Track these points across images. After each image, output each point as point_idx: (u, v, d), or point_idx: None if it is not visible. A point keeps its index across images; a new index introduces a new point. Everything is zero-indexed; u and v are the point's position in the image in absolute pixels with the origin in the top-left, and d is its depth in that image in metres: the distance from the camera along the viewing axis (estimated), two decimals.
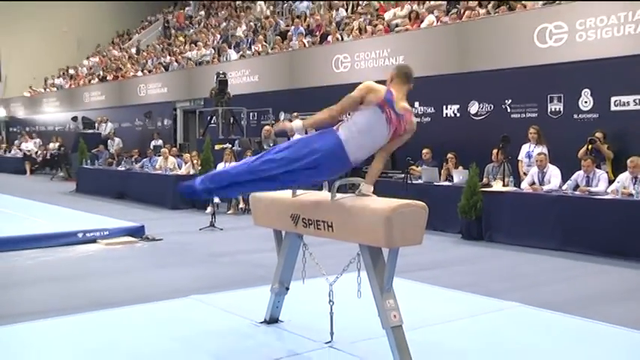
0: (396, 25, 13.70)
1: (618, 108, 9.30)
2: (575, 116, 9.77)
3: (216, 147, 13.12)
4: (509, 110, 10.67)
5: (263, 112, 15.63)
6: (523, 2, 11.41)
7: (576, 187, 8.39)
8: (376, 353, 3.97)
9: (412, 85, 4.05)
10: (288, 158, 3.85)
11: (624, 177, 7.96)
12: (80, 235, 8.58)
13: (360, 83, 3.95)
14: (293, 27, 17.33)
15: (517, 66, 10.59)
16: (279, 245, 4.66)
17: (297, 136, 4.28)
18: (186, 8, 28.05)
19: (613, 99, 9.33)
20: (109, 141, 20.04)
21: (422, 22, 13.11)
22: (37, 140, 24.94)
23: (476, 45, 11.41)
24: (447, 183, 9.95)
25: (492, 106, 10.95)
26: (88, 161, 16.58)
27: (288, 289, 4.64)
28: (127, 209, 12.37)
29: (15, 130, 29.54)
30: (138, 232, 9.00)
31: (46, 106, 27.88)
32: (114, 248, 8.38)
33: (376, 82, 3.99)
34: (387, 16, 14.43)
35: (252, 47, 17.95)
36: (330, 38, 15.16)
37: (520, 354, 4.16)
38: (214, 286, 6.13)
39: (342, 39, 14.70)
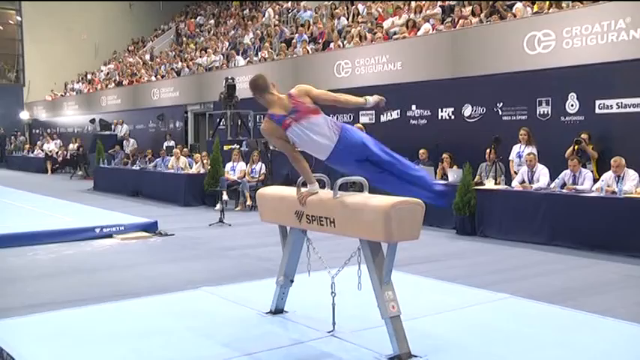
0: (394, 33, 13.67)
1: (602, 111, 9.27)
2: (563, 119, 9.74)
3: (225, 147, 13.12)
4: (500, 113, 10.64)
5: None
6: (513, 12, 11.39)
7: (563, 185, 8.37)
8: (376, 342, 3.96)
9: (270, 86, 4.19)
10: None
11: (608, 176, 7.94)
12: (97, 230, 8.60)
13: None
14: (297, 35, 17.31)
15: (508, 71, 10.55)
16: (284, 240, 4.65)
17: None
18: (198, 17, 28.03)
19: (597, 102, 9.30)
20: (124, 142, 20.05)
21: (418, 30, 13.07)
22: (58, 141, 24.97)
23: (469, 52, 11.38)
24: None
25: (485, 109, 10.92)
26: (105, 161, 16.60)
27: (292, 281, 4.63)
28: (141, 206, 12.37)
29: (37, 131, 29.59)
30: (151, 228, 9.00)
31: (66, 109, 27.91)
32: (129, 243, 8.39)
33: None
34: (386, 24, 14.38)
35: (259, 54, 17.93)
36: (332, 45, 15.14)
37: (510, 342, 4.15)
38: (223, 278, 6.13)
39: (344, 46, 14.67)
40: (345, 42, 14.82)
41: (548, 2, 10.82)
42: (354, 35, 14.65)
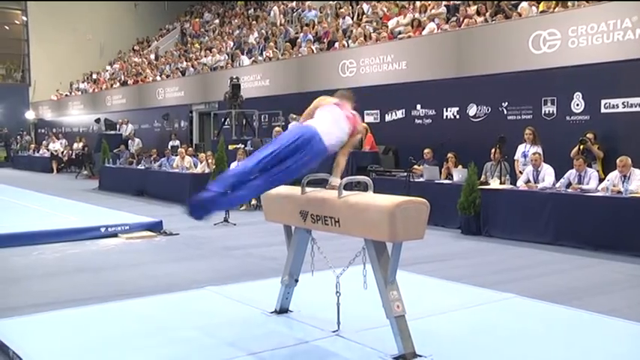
0: (399, 33, 13.66)
1: (608, 110, 9.25)
2: (568, 118, 9.72)
3: (230, 147, 13.13)
4: (505, 112, 10.62)
5: (274, 114, 15.63)
6: (518, 11, 11.36)
7: (569, 184, 8.35)
8: (380, 341, 3.96)
9: (353, 104, 4.41)
10: (279, 156, 3.90)
11: (614, 175, 7.92)
12: (103, 229, 8.61)
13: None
14: (302, 34, 17.31)
15: (513, 71, 10.54)
16: (289, 240, 4.65)
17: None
18: (205, 14, 28.00)
19: (603, 102, 9.28)
20: (129, 141, 20.07)
21: (423, 29, 13.06)
22: (63, 141, 25.02)
23: (474, 51, 11.36)
24: (447, 181, 9.92)
25: (490, 109, 10.90)
26: (110, 160, 16.62)
27: (297, 281, 4.63)
28: (146, 205, 12.39)
29: (43, 131, 29.68)
30: (156, 227, 9.02)
31: (71, 108, 27.98)
32: (134, 242, 8.40)
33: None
34: (391, 24, 14.38)
35: (264, 53, 17.95)
36: (336, 45, 15.13)
37: (515, 342, 4.14)
38: (228, 277, 6.13)
39: (348, 45, 14.67)
40: (349, 41, 14.82)
41: (554, 2, 10.80)
42: (358, 35, 14.65)
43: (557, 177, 8.59)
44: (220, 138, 13.45)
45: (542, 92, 10.04)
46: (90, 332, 4.37)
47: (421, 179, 10.08)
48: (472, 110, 11.18)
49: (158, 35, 29.92)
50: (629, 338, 4.30)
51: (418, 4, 14.32)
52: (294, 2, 21.06)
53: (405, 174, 9.91)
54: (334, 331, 4.22)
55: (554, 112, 9.91)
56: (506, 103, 10.58)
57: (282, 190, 4.39)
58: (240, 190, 3.96)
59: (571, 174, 8.40)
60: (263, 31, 20.31)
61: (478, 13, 12.33)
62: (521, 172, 9.26)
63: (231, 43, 21.39)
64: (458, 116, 11.44)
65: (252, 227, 9.54)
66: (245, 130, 15.29)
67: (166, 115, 20.41)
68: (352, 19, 16.59)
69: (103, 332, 4.37)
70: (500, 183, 9.10)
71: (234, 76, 15.48)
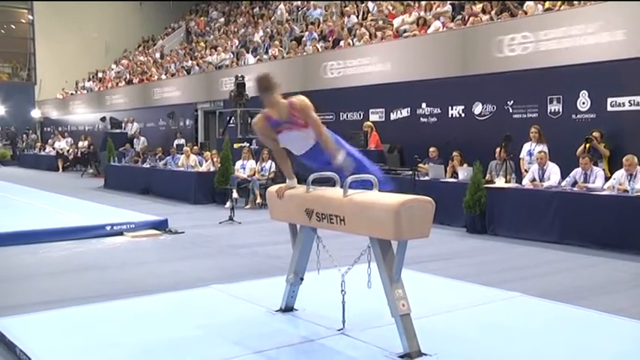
0: (405, 31, 13.64)
1: (614, 109, 9.22)
2: (574, 116, 9.69)
3: (235, 145, 13.14)
4: (511, 111, 10.60)
5: None
6: (524, 9, 11.33)
7: (574, 183, 8.32)
8: (386, 340, 3.96)
9: (275, 88, 4.29)
10: None
11: (620, 174, 7.89)
12: (108, 228, 8.64)
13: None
14: (307, 33, 17.30)
15: (518, 69, 10.51)
16: (294, 238, 4.65)
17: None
18: (213, 11, 28.00)
19: (609, 100, 9.25)
20: (134, 140, 20.12)
21: (429, 27, 13.05)
22: (69, 139, 25.09)
23: (479, 49, 11.34)
24: (452, 179, 9.91)
25: (495, 107, 10.88)
26: (116, 159, 16.65)
27: (302, 279, 4.64)
28: (152, 204, 12.42)
29: (49, 129, 29.77)
30: (161, 226, 9.04)
31: (76, 107, 28.05)
32: (139, 240, 8.42)
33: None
34: (396, 22, 14.36)
35: (269, 52, 17.94)
36: (342, 43, 15.12)
37: (520, 341, 4.13)
38: (233, 276, 6.14)
39: (353, 44, 14.66)
40: (355, 40, 14.81)
41: (559, 1, 10.77)
42: (363, 33, 14.64)
43: (563, 176, 8.56)
44: (225, 136, 13.47)
45: (548, 90, 10.02)
46: (96, 330, 4.39)
47: (426, 178, 10.07)
48: (477, 109, 11.17)
49: (163, 34, 29.96)
50: (635, 337, 4.29)
51: (423, 2, 14.31)
52: (300, 1, 21.06)
53: (411, 172, 9.91)
54: (339, 330, 4.22)
55: (560, 110, 9.88)
56: (512, 102, 10.56)
57: (288, 188, 4.41)
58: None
59: (577, 172, 8.37)
60: (268, 29, 20.31)
61: (483, 11, 12.31)
62: (526, 171, 9.24)
63: (237, 42, 21.41)
64: (463, 115, 11.43)
65: (257, 226, 9.55)
66: (250, 128, 15.28)
67: (172, 113, 20.44)
68: (357, 17, 16.58)
69: (109, 330, 4.39)
70: (506, 181, 9.08)
71: (240, 75, 15.49)
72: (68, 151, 23.82)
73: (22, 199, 12.37)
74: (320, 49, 15.75)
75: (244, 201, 11.96)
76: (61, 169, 22.82)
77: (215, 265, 6.90)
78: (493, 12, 12.04)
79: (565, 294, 5.40)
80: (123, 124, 21.60)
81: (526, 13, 11.18)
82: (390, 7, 15.61)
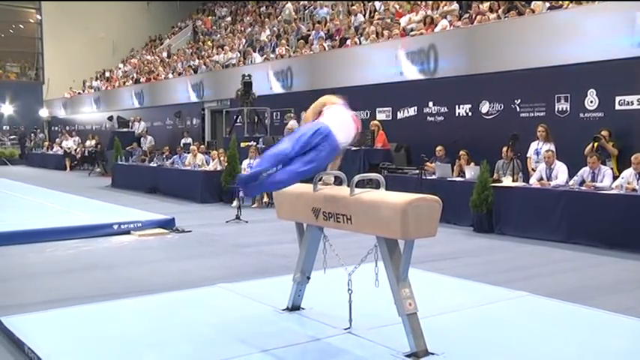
0: (411, 30, 13.62)
1: (623, 107, 9.18)
2: (582, 115, 9.65)
3: (242, 145, 13.15)
4: (518, 110, 10.57)
5: (285, 112, 15.64)
6: (532, 7, 11.30)
7: (582, 182, 8.29)
8: (392, 339, 3.95)
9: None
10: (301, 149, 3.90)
11: (628, 173, 7.85)
12: (115, 226, 8.67)
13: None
14: (314, 32, 17.31)
15: (526, 67, 10.48)
16: (301, 237, 4.65)
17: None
18: (222, 9, 28.02)
19: (617, 98, 9.20)
20: (141, 139, 20.16)
21: (436, 26, 13.02)
22: (76, 138, 25.16)
23: (487, 48, 11.31)
24: (459, 178, 9.89)
25: (502, 106, 10.85)
26: (123, 158, 16.70)
27: (309, 278, 4.63)
28: (159, 203, 12.45)
29: (56, 128, 29.88)
30: (169, 225, 9.05)
31: (84, 106, 28.14)
32: (146, 239, 8.44)
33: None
34: (403, 21, 14.34)
35: (276, 50, 17.96)
36: (348, 42, 15.12)
37: (527, 340, 4.12)
38: (240, 275, 6.15)
39: (360, 43, 14.65)
40: (362, 39, 14.80)
41: (567, 1, 10.74)
42: (370, 32, 14.62)
43: (571, 175, 8.53)
44: (232, 135, 13.48)
45: (556, 89, 9.98)
46: (103, 328, 4.40)
47: (433, 177, 10.05)
48: (484, 107, 11.14)
49: (170, 33, 30.05)
50: None
51: (430, 1, 14.29)
52: (307, 0, 21.06)
53: (417, 171, 9.89)
54: (346, 329, 4.22)
55: (568, 109, 9.85)
56: (519, 100, 10.53)
57: (294, 187, 4.39)
58: (281, 172, 3.93)
59: (584, 171, 8.33)
60: (275, 28, 20.32)
61: (491, 9, 12.27)
62: (533, 170, 9.21)
63: (244, 41, 21.43)
64: (470, 113, 11.40)
65: (263, 225, 9.56)
66: (257, 127, 15.31)
67: (178, 112, 20.48)
68: (364, 16, 16.56)
69: (116, 328, 4.40)
70: (513, 180, 9.06)
71: (247, 74, 15.50)
72: (76, 150, 23.89)
73: (29, 197, 12.43)
74: (327, 48, 15.74)
75: (251, 200, 11.96)
76: (68, 168, 22.91)
77: (222, 263, 6.91)
78: (500, 10, 12.00)
79: (572, 293, 5.38)
80: (130, 123, 21.66)
81: (533, 11, 11.14)
82: (397, 6, 15.59)
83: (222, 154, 13.29)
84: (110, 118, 22.84)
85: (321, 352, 3.94)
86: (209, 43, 24.34)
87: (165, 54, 27.03)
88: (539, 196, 8.41)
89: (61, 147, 24.86)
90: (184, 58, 24.26)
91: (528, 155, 9.56)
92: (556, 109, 9.98)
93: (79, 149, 23.77)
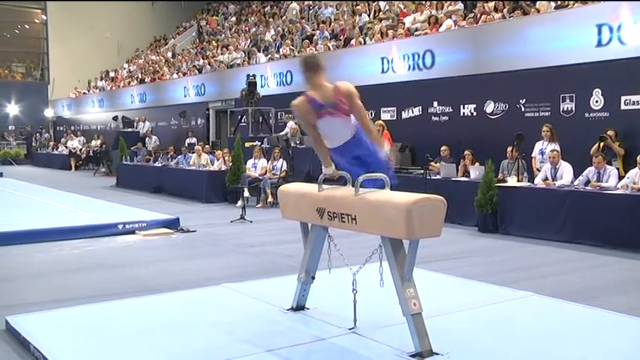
0: (416, 30, 13.61)
1: (628, 107, 9.15)
2: (587, 115, 9.63)
3: (247, 144, 13.18)
4: (523, 109, 10.55)
5: (290, 112, 15.64)
6: (537, 7, 11.28)
7: (587, 182, 8.27)
8: (397, 339, 3.95)
9: (323, 69, 4.27)
10: None
11: (634, 173, 7.84)
12: (120, 226, 8.69)
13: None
14: (318, 31, 17.31)
15: (531, 67, 10.46)
16: (306, 237, 4.65)
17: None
18: (228, 8, 28.04)
19: (623, 98, 9.18)
20: (146, 139, 20.21)
21: (440, 26, 13.01)
22: (81, 138, 25.25)
23: (491, 47, 11.29)
24: (464, 178, 9.88)
25: (507, 106, 10.84)
26: (128, 158, 16.74)
27: (314, 278, 4.64)
28: (163, 203, 12.47)
29: (61, 128, 29.96)
30: (173, 224, 9.07)
31: (89, 106, 28.21)
32: (151, 239, 8.46)
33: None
34: (408, 20, 14.33)
35: (280, 50, 17.97)
36: (353, 42, 15.11)
37: (532, 340, 4.11)
38: (244, 274, 6.16)
39: (365, 42, 14.64)
40: (366, 38, 14.79)
41: (572, 1, 10.71)
42: (375, 32, 14.62)
43: (576, 175, 8.51)
44: (237, 135, 13.50)
45: (561, 89, 9.96)
46: (108, 328, 4.41)
47: (438, 177, 10.04)
48: (489, 107, 11.12)
49: (175, 33, 30.09)
50: None
51: (435, 1, 14.26)
52: (311, 0, 21.06)
53: (422, 171, 9.88)
54: (351, 329, 4.22)
55: (573, 108, 9.82)
56: (524, 100, 10.51)
57: (299, 187, 4.40)
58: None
59: (590, 171, 8.32)
60: (279, 28, 20.33)
61: (496, 9, 12.25)
62: (538, 170, 9.19)
63: (248, 41, 21.45)
64: (475, 113, 11.38)
65: (268, 224, 9.56)
66: (262, 127, 15.33)
67: (183, 112, 20.51)
68: (369, 16, 16.56)
69: (121, 328, 4.41)
70: (518, 180, 9.04)
71: (251, 74, 15.52)
72: (81, 150, 23.97)
73: (35, 197, 12.46)
74: (331, 48, 15.74)
75: (255, 200, 11.98)
76: (73, 168, 22.98)
77: (226, 263, 6.92)
78: (505, 10, 11.99)
79: (577, 293, 5.37)
80: (135, 123, 21.71)
81: (539, 10, 11.12)
82: (402, 6, 15.57)
83: (226, 154, 13.31)
84: (115, 118, 22.89)
85: (326, 352, 3.95)
86: (214, 43, 24.37)
87: (169, 54, 27.06)
88: (544, 196, 8.40)
89: (67, 147, 24.93)
90: (189, 58, 24.29)
91: (533, 155, 9.55)
92: (561, 109, 9.96)
93: (84, 149, 23.84)
